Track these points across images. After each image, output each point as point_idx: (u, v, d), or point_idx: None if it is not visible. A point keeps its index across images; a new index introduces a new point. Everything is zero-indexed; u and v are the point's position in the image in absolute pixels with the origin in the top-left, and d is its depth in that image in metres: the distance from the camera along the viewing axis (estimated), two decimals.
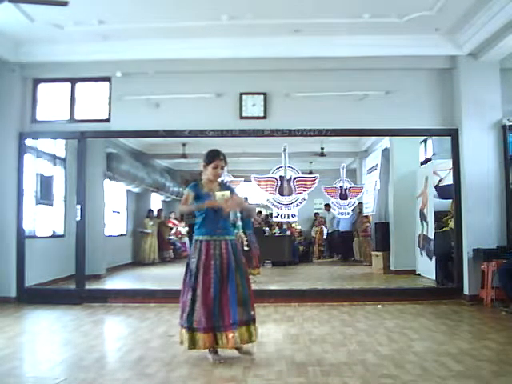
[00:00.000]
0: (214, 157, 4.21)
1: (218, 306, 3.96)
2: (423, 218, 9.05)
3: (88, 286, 7.21)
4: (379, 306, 6.51)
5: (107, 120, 7.22)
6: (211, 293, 3.96)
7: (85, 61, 6.95)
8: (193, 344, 3.95)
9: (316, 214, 15.67)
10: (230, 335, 3.94)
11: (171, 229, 14.55)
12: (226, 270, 4.03)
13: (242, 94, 7.10)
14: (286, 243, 12.43)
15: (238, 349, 4.08)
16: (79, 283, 7.05)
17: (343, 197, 11.51)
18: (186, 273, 4.13)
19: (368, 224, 11.95)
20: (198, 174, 15.51)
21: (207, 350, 4.04)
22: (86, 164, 7.32)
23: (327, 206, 13.59)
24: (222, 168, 4.24)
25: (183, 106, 7.12)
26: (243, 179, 10.68)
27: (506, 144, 6.74)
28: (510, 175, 6.73)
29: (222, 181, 4.57)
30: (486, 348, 4.31)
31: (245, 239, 8.52)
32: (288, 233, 12.99)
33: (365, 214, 11.99)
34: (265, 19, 6.14)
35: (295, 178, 9.05)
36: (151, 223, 13.22)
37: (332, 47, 6.65)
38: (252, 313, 4.08)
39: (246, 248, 8.42)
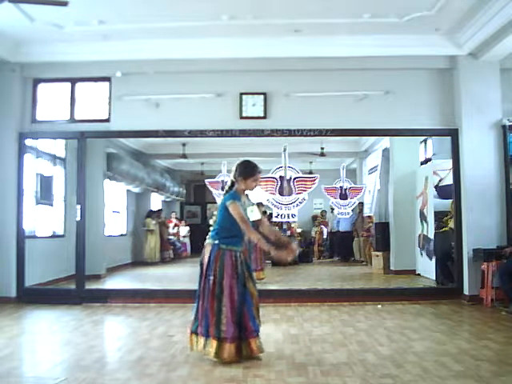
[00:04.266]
0: (254, 170, 4.19)
1: (241, 316, 3.96)
2: (423, 218, 9.04)
3: (88, 286, 7.20)
4: (379, 306, 6.51)
5: (107, 120, 7.22)
6: (236, 302, 3.94)
7: (85, 61, 6.95)
8: (217, 354, 3.90)
9: (324, 211, 15.50)
10: (253, 343, 3.97)
11: (173, 228, 14.58)
12: (244, 279, 4.03)
13: (242, 93, 7.09)
14: None
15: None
16: (79, 283, 7.05)
17: (343, 197, 11.51)
18: (205, 279, 4.01)
19: (371, 224, 11.95)
20: (198, 173, 15.33)
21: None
22: (86, 164, 7.31)
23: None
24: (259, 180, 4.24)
25: (183, 106, 7.12)
26: None
27: (506, 144, 6.74)
28: (510, 175, 6.72)
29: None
30: (486, 348, 4.31)
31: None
32: (288, 233, 12.97)
33: (368, 215, 12.00)
34: (265, 19, 6.14)
35: (295, 178, 9.05)
36: (153, 222, 13.23)
37: (332, 47, 6.65)
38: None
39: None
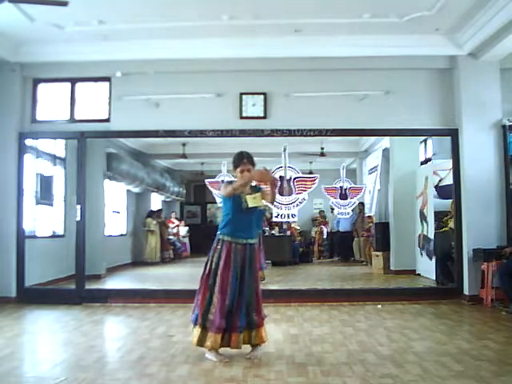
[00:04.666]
0: (239, 161, 4.17)
1: (232, 309, 3.99)
2: (423, 218, 9.04)
3: (88, 286, 7.20)
4: (379, 306, 6.51)
5: (107, 120, 7.22)
6: (228, 295, 3.97)
7: (85, 61, 6.95)
8: (201, 342, 3.98)
9: (322, 211, 15.48)
10: (234, 337, 3.98)
11: (172, 228, 14.59)
12: (243, 273, 4.04)
13: (242, 93, 7.09)
14: (286, 243, 12.43)
15: (254, 346, 4.11)
16: (79, 283, 7.05)
17: (343, 197, 11.50)
18: (204, 269, 4.10)
19: (371, 224, 11.95)
20: (198, 173, 15.32)
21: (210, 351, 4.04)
22: (86, 164, 7.31)
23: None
24: (249, 170, 4.16)
25: (183, 106, 7.12)
26: None
27: (506, 144, 6.74)
28: (510, 175, 6.72)
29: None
30: (486, 348, 4.31)
31: None
32: (288, 233, 12.99)
33: (368, 215, 12.00)
34: (265, 19, 6.14)
35: (295, 178, 9.04)
36: (154, 222, 13.24)
37: (332, 47, 6.65)
38: (256, 317, 4.08)
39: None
